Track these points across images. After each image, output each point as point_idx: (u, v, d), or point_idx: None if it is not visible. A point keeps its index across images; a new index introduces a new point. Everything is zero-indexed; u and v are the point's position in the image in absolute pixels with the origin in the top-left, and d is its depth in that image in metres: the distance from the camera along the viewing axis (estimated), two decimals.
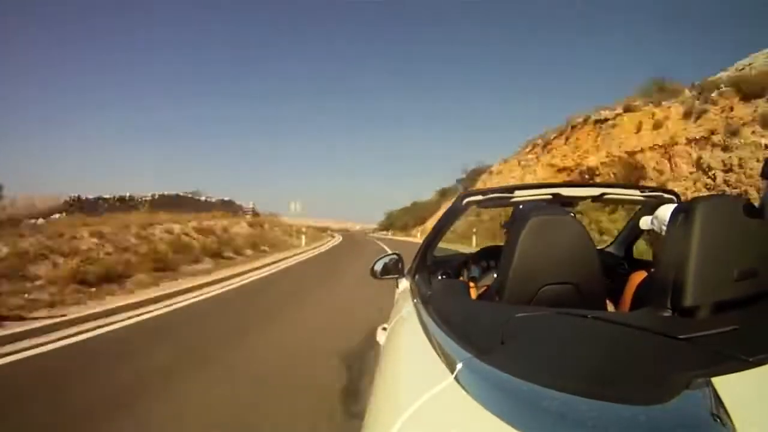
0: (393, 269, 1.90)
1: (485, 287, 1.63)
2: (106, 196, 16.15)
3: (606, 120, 14.79)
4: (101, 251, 7.57)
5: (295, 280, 8.75)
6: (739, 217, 0.81)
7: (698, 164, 10.42)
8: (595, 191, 1.54)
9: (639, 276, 1.31)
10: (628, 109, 13.97)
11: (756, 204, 0.89)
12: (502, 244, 1.42)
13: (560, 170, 16.81)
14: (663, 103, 12.59)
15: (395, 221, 57.69)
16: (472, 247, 11.33)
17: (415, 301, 1.27)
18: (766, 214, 0.83)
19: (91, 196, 15.67)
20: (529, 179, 17.82)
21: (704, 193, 9.42)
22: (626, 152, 12.96)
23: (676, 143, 11.23)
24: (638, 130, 12.95)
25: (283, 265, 11.29)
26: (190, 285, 6.94)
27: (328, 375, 2.99)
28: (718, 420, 0.44)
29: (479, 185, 23.86)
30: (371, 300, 5.03)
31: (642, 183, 10.34)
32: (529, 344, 0.71)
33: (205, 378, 3.04)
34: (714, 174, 9.85)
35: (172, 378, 3.02)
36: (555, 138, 18.66)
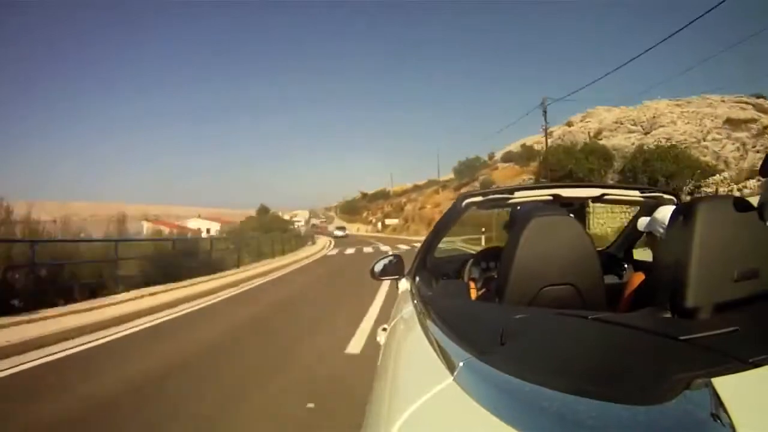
0: (393, 270, 1.89)
1: (485, 288, 1.64)
2: None
3: None
4: None
5: None
6: (739, 218, 0.81)
7: None
8: (595, 192, 1.54)
9: (639, 277, 1.31)
10: None
11: (754, 203, 0.88)
12: (502, 245, 1.42)
13: None
14: None
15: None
16: None
17: (415, 302, 1.27)
18: (765, 214, 0.82)
19: None
20: None
21: None
22: None
23: None
24: None
25: None
26: None
27: None
28: (718, 421, 0.43)
29: None
30: None
31: None
32: (529, 345, 0.71)
33: None
34: None
35: None
36: None
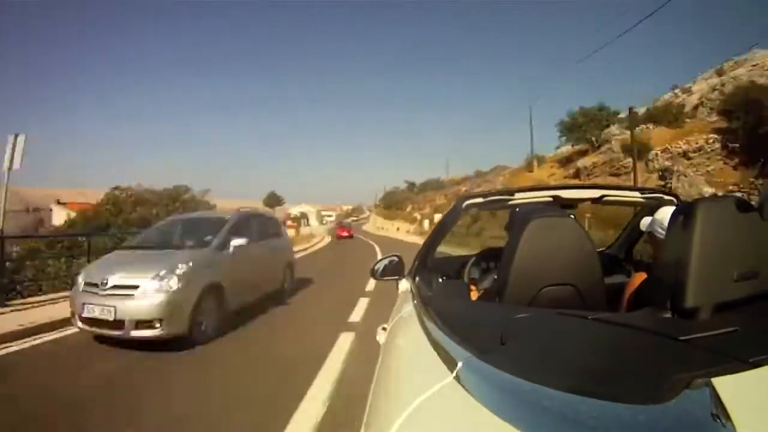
0: (393, 270, 1.88)
1: (485, 289, 1.61)
2: None
3: None
4: None
5: None
6: (739, 219, 0.80)
7: None
8: (595, 193, 1.52)
9: (639, 277, 1.30)
10: None
11: (754, 203, 0.88)
12: (502, 245, 1.40)
13: None
14: None
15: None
16: None
17: (415, 302, 1.27)
18: (765, 215, 0.82)
19: None
20: None
21: None
22: None
23: None
24: None
25: None
26: None
27: None
28: (718, 420, 0.44)
29: None
30: None
31: None
32: (530, 344, 0.71)
33: None
34: None
35: None
36: None
